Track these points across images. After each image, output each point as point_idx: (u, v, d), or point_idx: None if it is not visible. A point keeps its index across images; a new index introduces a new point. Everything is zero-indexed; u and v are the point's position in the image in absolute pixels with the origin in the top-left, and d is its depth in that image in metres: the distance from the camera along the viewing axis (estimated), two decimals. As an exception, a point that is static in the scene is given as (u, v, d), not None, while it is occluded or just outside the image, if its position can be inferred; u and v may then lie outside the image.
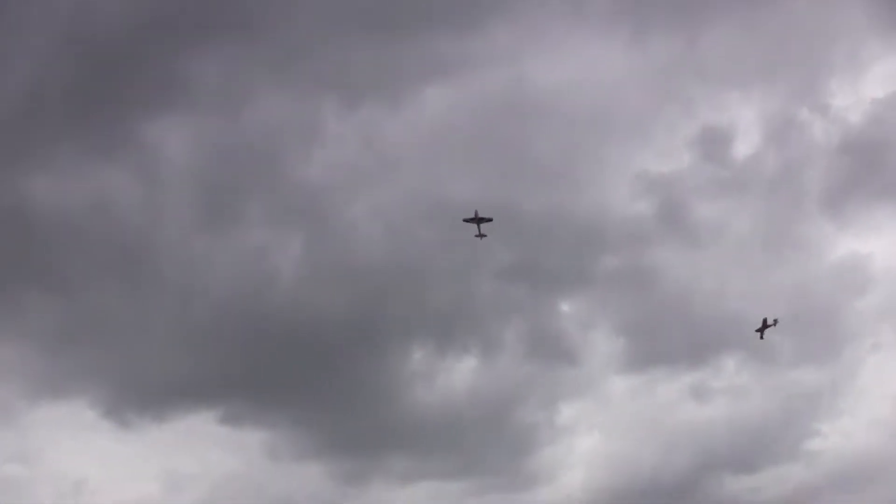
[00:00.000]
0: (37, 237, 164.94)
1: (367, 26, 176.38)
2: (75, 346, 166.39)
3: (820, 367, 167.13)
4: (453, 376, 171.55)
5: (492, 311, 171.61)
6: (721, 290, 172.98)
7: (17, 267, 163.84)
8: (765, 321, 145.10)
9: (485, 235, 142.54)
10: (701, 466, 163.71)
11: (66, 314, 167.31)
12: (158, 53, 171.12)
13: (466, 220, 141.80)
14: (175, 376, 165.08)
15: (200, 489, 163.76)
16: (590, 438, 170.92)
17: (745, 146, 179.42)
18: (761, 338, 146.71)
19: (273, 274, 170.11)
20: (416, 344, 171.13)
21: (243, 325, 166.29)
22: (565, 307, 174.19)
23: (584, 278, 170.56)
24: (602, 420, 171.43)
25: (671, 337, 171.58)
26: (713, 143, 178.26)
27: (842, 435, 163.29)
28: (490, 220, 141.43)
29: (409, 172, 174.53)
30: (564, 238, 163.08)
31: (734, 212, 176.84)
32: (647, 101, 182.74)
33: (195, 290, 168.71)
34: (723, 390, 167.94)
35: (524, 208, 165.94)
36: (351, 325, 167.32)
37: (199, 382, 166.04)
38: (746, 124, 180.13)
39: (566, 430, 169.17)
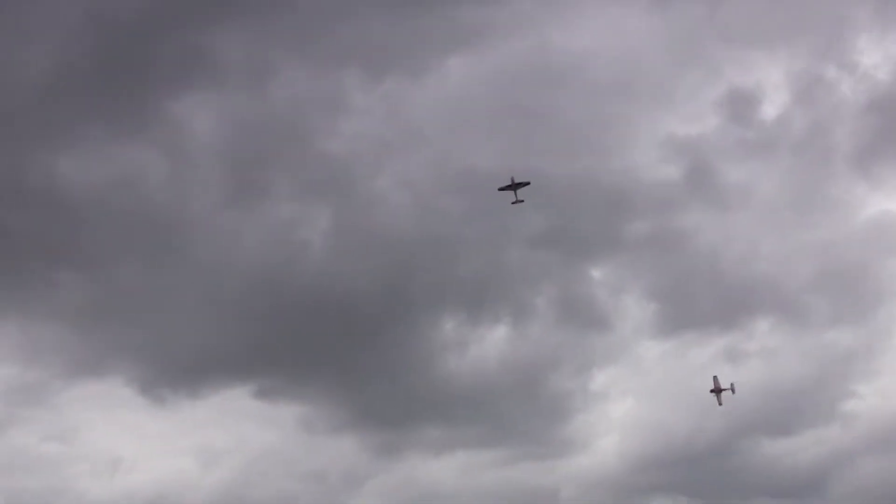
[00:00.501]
0: (66, 216, 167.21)
1: None
2: (108, 325, 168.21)
3: (854, 328, 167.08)
4: (485, 345, 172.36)
5: (522, 278, 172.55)
6: (751, 252, 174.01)
7: (47, 247, 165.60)
8: (718, 387, 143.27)
9: (522, 201, 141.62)
10: (736, 430, 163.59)
11: (97, 293, 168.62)
12: (183, 30, 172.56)
13: (502, 189, 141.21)
14: (208, 352, 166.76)
15: (236, 464, 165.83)
16: (623, 404, 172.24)
17: (772, 107, 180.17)
18: (719, 404, 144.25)
19: (302, 247, 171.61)
20: (447, 314, 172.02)
21: (274, 299, 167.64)
22: (596, 273, 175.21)
23: (614, 244, 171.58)
24: (635, 385, 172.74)
25: (702, 300, 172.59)
26: (740, 104, 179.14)
27: (878, 395, 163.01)
28: (528, 183, 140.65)
29: (435, 142, 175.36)
30: (593, 204, 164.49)
31: (763, 173, 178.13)
32: (671, 65, 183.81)
33: (225, 265, 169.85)
34: (756, 353, 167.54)
35: (551, 175, 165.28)
36: (382, 296, 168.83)
37: (232, 357, 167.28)
38: (773, 85, 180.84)
39: (599, 397, 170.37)
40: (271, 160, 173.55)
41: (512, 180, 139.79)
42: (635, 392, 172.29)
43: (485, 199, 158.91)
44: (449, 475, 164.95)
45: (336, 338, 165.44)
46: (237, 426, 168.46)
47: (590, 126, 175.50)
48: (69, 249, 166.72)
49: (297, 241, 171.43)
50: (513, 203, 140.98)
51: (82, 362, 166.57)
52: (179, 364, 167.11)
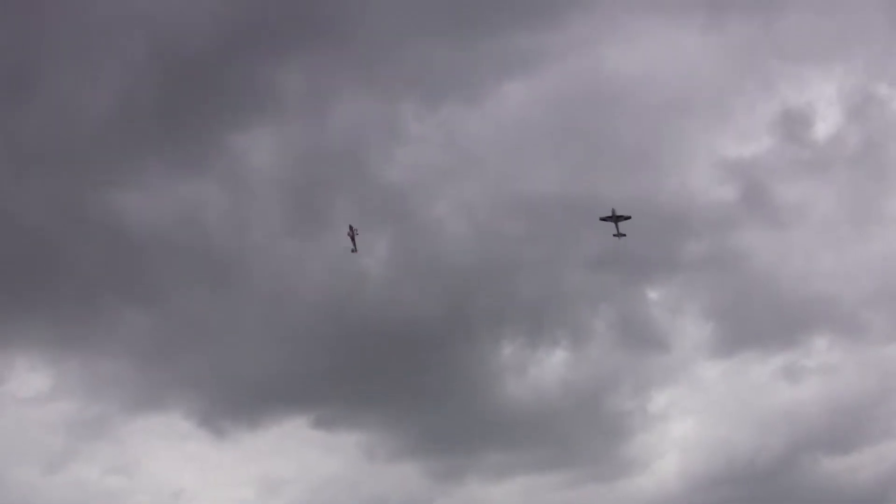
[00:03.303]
0: (128, 251, 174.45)
1: (444, 25, 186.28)
2: (169, 358, 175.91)
3: None
4: (544, 368, 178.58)
5: (580, 301, 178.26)
6: (808, 269, 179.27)
7: (109, 282, 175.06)
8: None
9: (624, 235, 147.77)
10: (796, 448, 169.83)
11: (158, 326, 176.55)
12: (242, 63, 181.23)
13: (603, 219, 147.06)
14: (267, 382, 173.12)
15: (297, 494, 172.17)
16: (683, 424, 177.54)
17: (825, 125, 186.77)
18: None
19: (361, 275, 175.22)
20: (506, 338, 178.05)
21: (333, 327, 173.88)
22: (653, 294, 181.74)
23: (671, 264, 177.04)
24: (695, 405, 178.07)
25: (760, 319, 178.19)
26: (794, 123, 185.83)
27: None
28: (628, 217, 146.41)
29: (492, 167, 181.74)
30: (649, 225, 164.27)
31: (818, 191, 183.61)
32: (725, 85, 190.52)
33: (285, 294, 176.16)
34: (815, 370, 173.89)
35: (607, 197, 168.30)
36: (440, 321, 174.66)
37: (290, 387, 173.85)
38: (826, 103, 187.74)
39: (659, 417, 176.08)
40: (330, 189, 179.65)
41: (613, 212, 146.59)
42: (695, 412, 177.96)
43: (542, 223, 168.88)
44: (510, 499, 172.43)
45: (395, 364, 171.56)
46: (297, 456, 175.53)
47: (645, 147, 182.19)
48: (131, 284, 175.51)
49: (357, 269, 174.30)
50: (614, 235, 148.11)
51: (143, 396, 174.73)
52: (239, 395, 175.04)
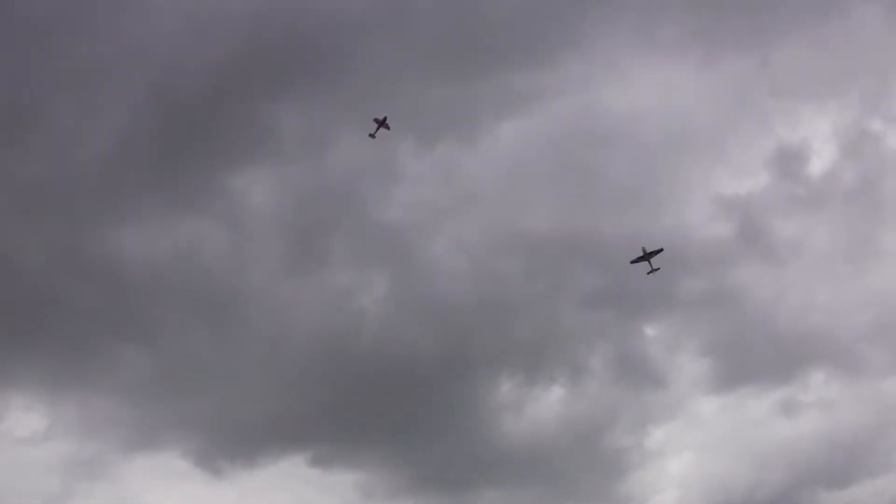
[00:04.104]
0: (126, 290, 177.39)
1: (441, 65, 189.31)
2: (166, 397, 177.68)
3: None
4: (542, 405, 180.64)
5: (577, 338, 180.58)
6: (805, 305, 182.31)
7: (106, 321, 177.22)
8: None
9: (658, 268, 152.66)
10: (795, 483, 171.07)
11: (156, 366, 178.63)
12: (240, 104, 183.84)
13: (634, 262, 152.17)
14: (264, 421, 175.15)
15: None
16: (681, 460, 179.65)
17: (820, 161, 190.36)
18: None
19: (359, 314, 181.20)
20: (504, 375, 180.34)
21: (332, 366, 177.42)
22: (650, 331, 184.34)
23: (668, 301, 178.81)
24: (692, 441, 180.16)
25: (757, 354, 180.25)
26: (789, 160, 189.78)
27: None
28: (660, 250, 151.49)
29: (489, 206, 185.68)
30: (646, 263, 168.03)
31: (814, 227, 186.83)
32: (721, 122, 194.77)
33: (283, 334, 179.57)
34: (813, 404, 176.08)
35: (604, 235, 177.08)
36: (438, 360, 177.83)
37: (288, 426, 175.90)
38: (821, 140, 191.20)
39: (657, 453, 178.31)
40: (328, 229, 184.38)
41: (644, 250, 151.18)
42: (692, 447, 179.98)
43: (539, 261, 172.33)
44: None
45: (392, 403, 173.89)
46: (294, 495, 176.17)
47: (641, 184, 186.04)
48: (129, 323, 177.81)
49: (355, 309, 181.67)
50: (648, 273, 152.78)
51: (140, 435, 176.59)
52: (235, 434, 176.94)
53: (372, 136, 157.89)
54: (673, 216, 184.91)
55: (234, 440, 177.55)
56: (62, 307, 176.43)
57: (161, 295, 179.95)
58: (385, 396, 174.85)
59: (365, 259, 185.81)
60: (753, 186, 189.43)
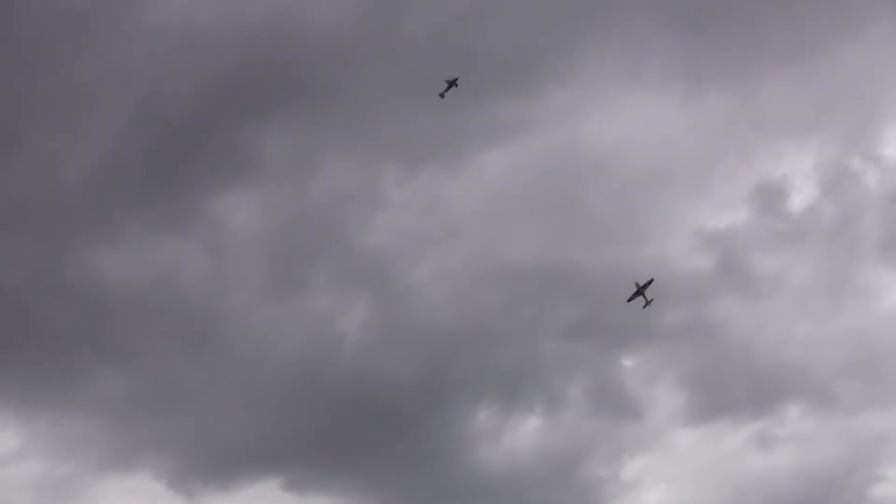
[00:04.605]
0: (105, 311, 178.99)
1: (426, 93, 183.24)
2: (141, 418, 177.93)
3: (884, 412, 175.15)
4: (518, 434, 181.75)
5: (555, 368, 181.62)
6: (783, 339, 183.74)
7: (85, 340, 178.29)
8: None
9: (652, 300, 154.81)
10: None
11: (132, 387, 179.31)
12: (226, 128, 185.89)
13: (630, 299, 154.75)
14: (239, 445, 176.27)
15: None
16: (656, 491, 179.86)
17: (801, 197, 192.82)
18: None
19: (339, 339, 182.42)
20: (481, 404, 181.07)
21: (310, 390, 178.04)
22: (627, 362, 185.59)
23: (646, 333, 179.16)
24: (668, 473, 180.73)
25: (734, 388, 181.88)
26: (770, 196, 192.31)
27: None
28: (651, 281, 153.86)
29: (471, 235, 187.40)
30: (625, 294, 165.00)
31: (793, 263, 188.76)
32: (704, 156, 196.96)
33: (262, 358, 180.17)
34: (788, 438, 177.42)
35: (585, 266, 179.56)
36: (416, 387, 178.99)
37: (262, 450, 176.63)
38: (802, 176, 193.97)
39: (633, 485, 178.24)
40: (309, 254, 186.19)
41: (637, 286, 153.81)
42: (668, 479, 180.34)
43: (520, 291, 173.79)
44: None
45: (369, 429, 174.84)
46: None
47: (623, 217, 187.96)
48: (107, 344, 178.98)
49: (334, 334, 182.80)
50: (644, 307, 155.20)
51: (113, 456, 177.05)
52: (210, 457, 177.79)
53: (441, 95, 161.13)
54: (654, 249, 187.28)
55: (208, 463, 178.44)
56: (39, 326, 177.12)
57: (140, 316, 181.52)
58: (362, 422, 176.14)
59: (345, 285, 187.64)
60: (734, 221, 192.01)
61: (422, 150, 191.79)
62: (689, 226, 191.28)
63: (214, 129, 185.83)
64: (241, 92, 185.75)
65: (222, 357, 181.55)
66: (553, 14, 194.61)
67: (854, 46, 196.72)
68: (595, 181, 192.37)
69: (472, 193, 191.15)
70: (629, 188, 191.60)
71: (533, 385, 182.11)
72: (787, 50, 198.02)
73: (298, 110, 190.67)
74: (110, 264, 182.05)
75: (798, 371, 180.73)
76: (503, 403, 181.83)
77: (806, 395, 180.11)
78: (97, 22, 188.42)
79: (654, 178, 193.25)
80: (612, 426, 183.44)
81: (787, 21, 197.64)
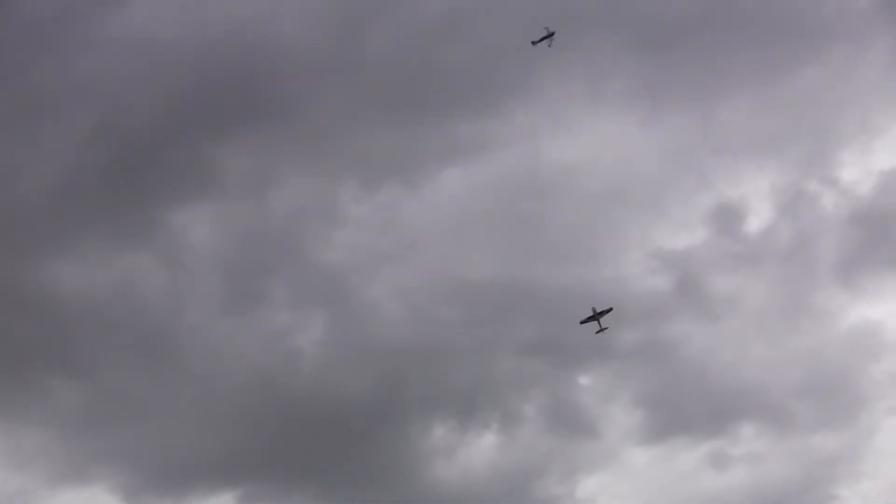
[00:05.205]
0: (62, 323, 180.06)
1: (386, 110, 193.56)
2: (97, 431, 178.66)
3: (837, 432, 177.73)
4: (473, 451, 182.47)
5: (512, 385, 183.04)
6: (738, 360, 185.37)
7: (41, 353, 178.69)
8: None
9: (606, 328, 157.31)
10: None
11: (88, 399, 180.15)
12: (185, 141, 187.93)
13: (584, 322, 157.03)
14: (195, 458, 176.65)
15: None
16: None
17: (758, 219, 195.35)
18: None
19: (296, 355, 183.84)
20: (437, 420, 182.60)
21: (265, 405, 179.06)
22: (584, 380, 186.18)
23: (603, 352, 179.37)
24: (623, 491, 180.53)
25: (690, 407, 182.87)
26: (727, 217, 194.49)
27: (861, 499, 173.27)
28: (610, 309, 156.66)
29: (429, 253, 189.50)
30: (582, 313, 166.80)
31: (749, 284, 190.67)
32: (662, 177, 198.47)
33: (218, 372, 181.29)
34: (742, 458, 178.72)
35: (543, 284, 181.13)
36: (373, 404, 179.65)
37: (218, 463, 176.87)
38: (759, 198, 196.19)
39: (588, 502, 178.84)
40: (268, 269, 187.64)
41: (593, 310, 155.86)
42: (623, 497, 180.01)
43: (477, 308, 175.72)
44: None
45: (325, 444, 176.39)
46: None
47: (581, 236, 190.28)
48: (63, 356, 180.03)
49: (291, 350, 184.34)
50: (597, 332, 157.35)
51: (68, 468, 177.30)
52: (165, 470, 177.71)
53: (534, 43, 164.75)
54: (612, 268, 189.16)
55: (163, 476, 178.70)
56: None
57: (97, 329, 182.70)
58: (318, 437, 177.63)
59: (303, 301, 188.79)
60: (691, 242, 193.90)
61: (381, 167, 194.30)
62: (647, 246, 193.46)
63: (175, 142, 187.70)
64: (203, 106, 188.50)
65: (179, 370, 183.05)
66: (514, 33, 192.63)
67: (813, 70, 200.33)
68: (554, 200, 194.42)
69: (431, 211, 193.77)
70: (588, 207, 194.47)
71: (489, 402, 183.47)
72: (747, 73, 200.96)
73: (259, 126, 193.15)
74: (68, 276, 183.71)
75: (753, 391, 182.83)
76: (459, 420, 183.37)
77: (761, 414, 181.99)
78: (59, 33, 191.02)
79: (613, 198, 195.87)
80: (568, 444, 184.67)
81: (747, 45, 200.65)
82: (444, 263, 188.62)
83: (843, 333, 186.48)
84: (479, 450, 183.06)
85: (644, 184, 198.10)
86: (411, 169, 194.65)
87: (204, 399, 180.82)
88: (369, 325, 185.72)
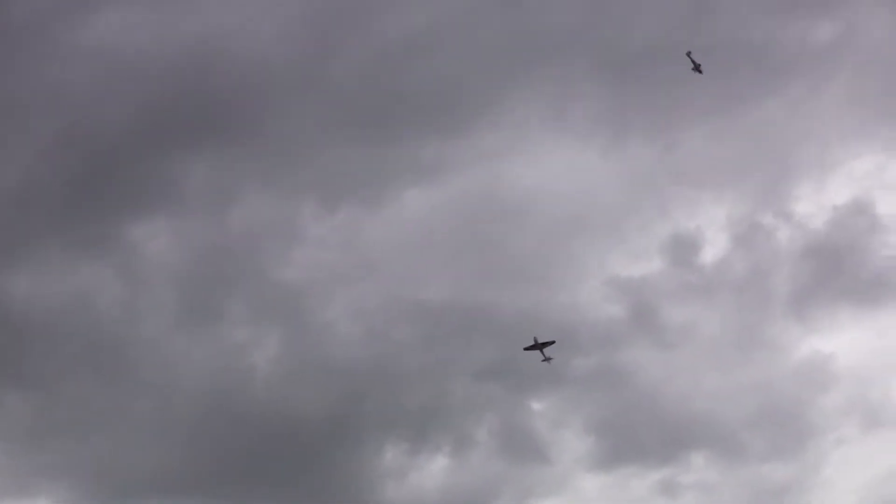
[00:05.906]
0: (15, 334, 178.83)
1: (349, 129, 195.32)
2: (45, 446, 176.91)
3: (786, 462, 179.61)
4: (424, 474, 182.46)
5: (465, 409, 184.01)
6: (691, 389, 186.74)
7: None
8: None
9: (551, 358, 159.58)
10: None
11: (38, 412, 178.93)
12: (146, 155, 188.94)
13: (527, 349, 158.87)
14: (146, 474, 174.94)
15: None
16: None
17: (713, 250, 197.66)
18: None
19: (250, 371, 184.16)
20: (389, 442, 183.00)
21: (218, 421, 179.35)
22: (537, 405, 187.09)
23: (556, 378, 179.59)
24: None
25: (642, 435, 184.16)
26: (683, 247, 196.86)
27: None
28: (552, 342, 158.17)
29: (388, 273, 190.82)
30: (539, 337, 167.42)
31: (703, 314, 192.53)
32: (621, 205, 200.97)
33: (172, 387, 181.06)
34: (692, 486, 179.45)
35: (499, 308, 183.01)
36: (326, 422, 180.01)
37: (169, 480, 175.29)
38: (716, 229, 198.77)
39: None
40: (225, 285, 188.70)
41: (535, 340, 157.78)
42: None
43: (433, 330, 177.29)
44: None
45: (277, 462, 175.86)
46: None
47: (539, 261, 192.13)
48: (14, 368, 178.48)
49: (246, 365, 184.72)
50: (542, 361, 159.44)
51: (11, 483, 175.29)
52: (115, 485, 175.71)
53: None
54: (568, 294, 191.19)
55: (112, 491, 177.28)
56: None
57: (50, 340, 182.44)
58: (270, 455, 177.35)
59: (259, 317, 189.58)
60: (647, 270, 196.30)
61: (343, 185, 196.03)
62: (604, 273, 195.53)
63: (136, 155, 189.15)
64: (166, 119, 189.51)
65: (132, 384, 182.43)
66: (480, 56, 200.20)
67: (772, 103, 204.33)
68: (514, 224, 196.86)
69: (390, 231, 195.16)
70: (547, 233, 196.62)
71: (442, 425, 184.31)
72: (708, 104, 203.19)
73: (222, 141, 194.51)
74: (23, 286, 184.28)
75: (705, 420, 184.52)
76: (412, 442, 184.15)
77: (712, 444, 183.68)
78: (24, 41, 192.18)
79: (572, 225, 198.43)
80: (520, 468, 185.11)
81: (709, 77, 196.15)
82: (401, 284, 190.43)
83: (795, 365, 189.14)
84: (431, 472, 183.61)
85: (603, 211, 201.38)
86: (373, 188, 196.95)
87: (156, 413, 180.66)
88: (325, 344, 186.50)
